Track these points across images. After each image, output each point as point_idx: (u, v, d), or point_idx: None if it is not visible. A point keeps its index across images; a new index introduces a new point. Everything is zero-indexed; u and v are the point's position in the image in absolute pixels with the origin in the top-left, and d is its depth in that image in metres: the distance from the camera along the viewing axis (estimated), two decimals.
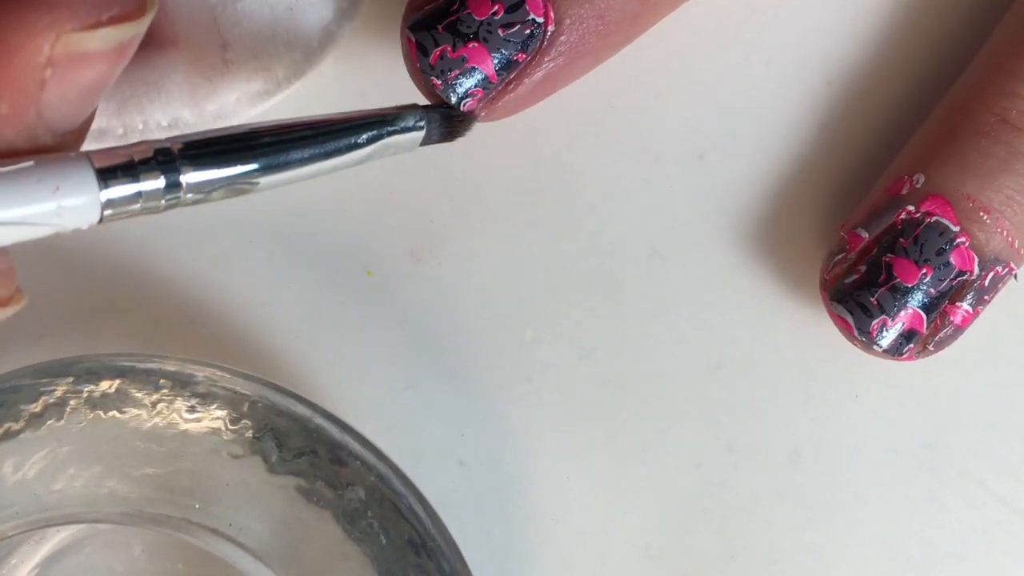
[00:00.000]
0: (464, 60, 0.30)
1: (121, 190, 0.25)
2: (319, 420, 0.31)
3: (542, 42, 0.30)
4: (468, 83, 0.30)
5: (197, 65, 0.32)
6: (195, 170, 0.26)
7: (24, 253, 0.34)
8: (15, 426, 0.30)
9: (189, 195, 0.26)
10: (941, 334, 0.31)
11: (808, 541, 0.34)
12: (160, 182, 0.25)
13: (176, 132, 0.32)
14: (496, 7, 0.30)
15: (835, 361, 0.33)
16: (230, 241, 0.34)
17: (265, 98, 0.32)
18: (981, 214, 0.30)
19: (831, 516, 0.34)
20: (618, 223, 0.33)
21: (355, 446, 0.31)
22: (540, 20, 0.30)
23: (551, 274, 0.34)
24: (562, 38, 0.30)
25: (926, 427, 0.34)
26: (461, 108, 0.30)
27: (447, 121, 0.30)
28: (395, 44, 0.33)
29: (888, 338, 0.31)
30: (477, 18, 0.30)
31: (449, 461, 0.34)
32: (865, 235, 0.31)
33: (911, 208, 0.31)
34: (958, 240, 0.30)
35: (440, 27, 0.30)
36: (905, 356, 0.31)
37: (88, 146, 0.32)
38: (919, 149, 0.31)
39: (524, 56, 0.30)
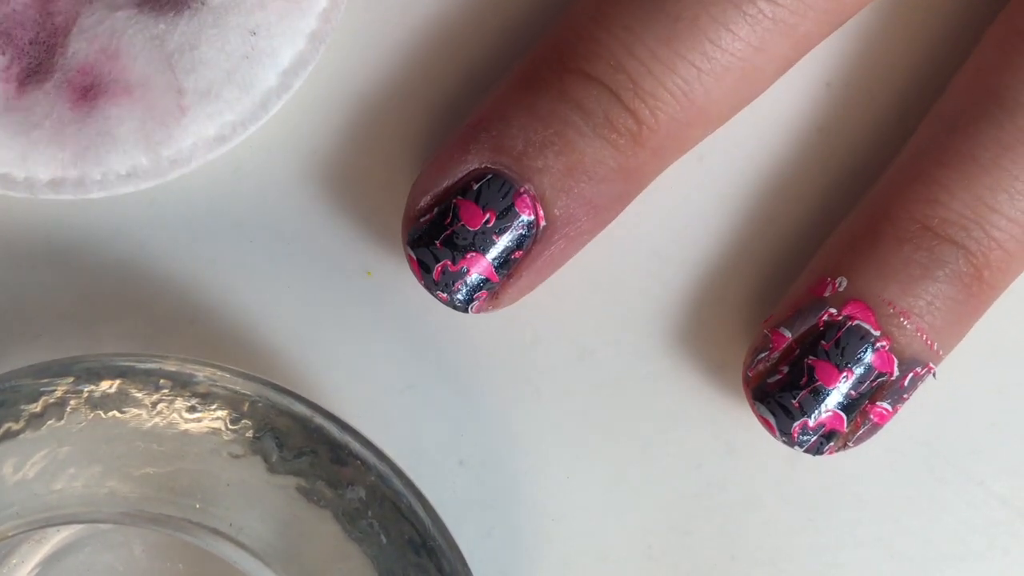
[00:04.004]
0: (465, 271, 0.31)
1: None
2: (319, 420, 0.31)
3: (536, 237, 0.31)
4: (471, 289, 0.31)
5: (152, 112, 0.32)
6: None
7: (24, 253, 0.34)
8: (15, 426, 0.30)
9: None
10: (860, 431, 0.31)
11: (808, 541, 0.34)
12: None
13: (135, 180, 0.33)
14: (487, 215, 0.31)
15: None
16: (230, 241, 0.34)
17: (221, 143, 0.33)
18: (901, 319, 0.31)
19: (831, 516, 0.34)
20: (618, 223, 0.33)
21: (355, 446, 0.30)
22: (532, 219, 0.31)
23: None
24: (554, 229, 0.31)
25: (926, 427, 0.34)
26: (468, 311, 0.32)
27: None
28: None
29: (809, 439, 0.31)
30: (471, 229, 0.31)
31: (449, 461, 0.34)
32: (788, 335, 0.31)
33: (833, 311, 0.31)
34: (879, 344, 0.31)
35: (438, 242, 0.31)
36: (825, 454, 0.31)
37: (44, 196, 0.33)
38: (841, 250, 0.32)
39: (521, 253, 0.31)
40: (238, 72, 0.32)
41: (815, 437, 0.31)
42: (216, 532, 0.30)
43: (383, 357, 0.34)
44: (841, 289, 0.31)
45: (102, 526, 0.33)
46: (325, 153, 0.34)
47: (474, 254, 0.31)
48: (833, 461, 0.33)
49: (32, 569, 0.33)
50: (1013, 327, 0.33)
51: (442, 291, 0.31)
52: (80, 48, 0.32)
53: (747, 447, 0.34)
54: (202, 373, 0.31)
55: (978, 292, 0.31)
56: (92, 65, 0.32)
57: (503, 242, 0.31)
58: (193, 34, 0.32)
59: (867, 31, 0.34)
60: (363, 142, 0.34)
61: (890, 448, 0.34)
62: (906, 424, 0.33)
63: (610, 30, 0.31)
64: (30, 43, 0.32)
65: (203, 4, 0.32)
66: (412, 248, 0.31)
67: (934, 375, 0.31)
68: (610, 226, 0.33)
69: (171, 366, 0.31)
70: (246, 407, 0.30)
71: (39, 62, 0.32)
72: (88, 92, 0.32)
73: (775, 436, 0.31)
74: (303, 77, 0.33)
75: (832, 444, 0.31)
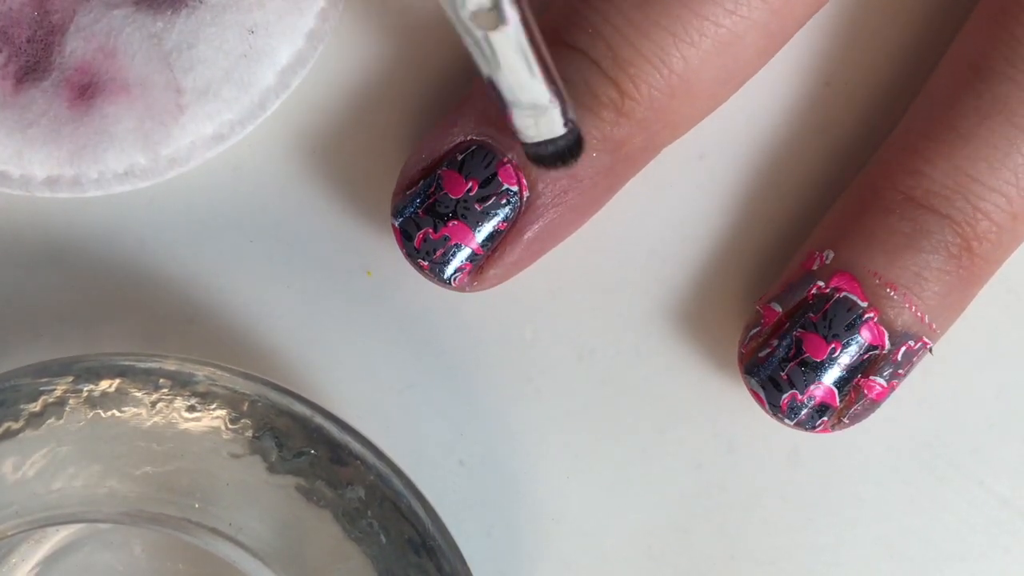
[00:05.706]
0: (446, 239, 0.31)
1: None
2: (319, 420, 0.31)
3: (520, 209, 0.31)
4: (455, 260, 0.31)
5: (151, 110, 0.32)
6: None
7: (24, 253, 0.34)
8: (15, 425, 0.30)
9: None
10: (856, 407, 0.31)
11: (808, 541, 0.34)
12: None
13: (132, 179, 0.33)
14: (470, 183, 0.31)
15: None
16: (230, 241, 0.34)
17: (220, 142, 0.33)
18: (888, 290, 0.31)
19: (831, 516, 0.34)
20: (618, 223, 0.34)
21: (355, 445, 0.31)
22: (515, 189, 0.31)
23: (551, 274, 0.34)
24: (539, 201, 0.31)
25: (926, 427, 0.34)
26: (451, 284, 0.31)
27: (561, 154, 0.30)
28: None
29: (800, 413, 0.31)
30: (453, 197, 0.31)
31: (449, 461, 0.34)
32: (779, 309, 0.31)
33: (821, 284, 0.31)
34: (866, 315, 0.31)
35: (420, 211, 0.31)
36: (819, 429, 0.31)
37: (40, 194, 0.33)
38: (830, 225, 0.32)
39: (505, 225, 0.31)
40: (236, 71, 0.32)
41: (806, 410, 0.31)
42: (216, 532, 0.30)
43: (383, 357, 0.34)
44: (828, 262, 0.31)
45: (102, 526, 0.33)
46: (324, 152, 0.34)
47: (457, 223, 0.31)
48: (833, 460, 0.33)
49: (32, 568, 0.33)
50: (1013, 327, 0.33)
51: (423, 259, 0.31)
52: (77, 47, 0.32)
53: (747, 447, 0.34)
54: (202, 373, 0.31)
55: (969, 264, 0.31)
56: (90, 64, 0.32)
57: (486, 212, 0.31)
58: (191, 32, 0.32)
59: (866, 31, 0.34)
60: (362, 141, 0.34)
61: (890, 448, 0.34)
62: (906, 424, 0.33)
63: (589, 1, 0.31)
64: (27, 41, 0.32)
65: (201, 2, 0.32)
66: (395, 218, 0.32)
67: (931, 351, 0.31)
68: (610, 226, 0.33)
69: (171, 366, 0.31)
70: (246, 407, 0.30)
71: (36, 60, 0.32)
72: (86, 91, 0.32)
73: (766, 410, 0.31)
74: (301, 76, 0.33)
75: (825, 419, 0.31)
